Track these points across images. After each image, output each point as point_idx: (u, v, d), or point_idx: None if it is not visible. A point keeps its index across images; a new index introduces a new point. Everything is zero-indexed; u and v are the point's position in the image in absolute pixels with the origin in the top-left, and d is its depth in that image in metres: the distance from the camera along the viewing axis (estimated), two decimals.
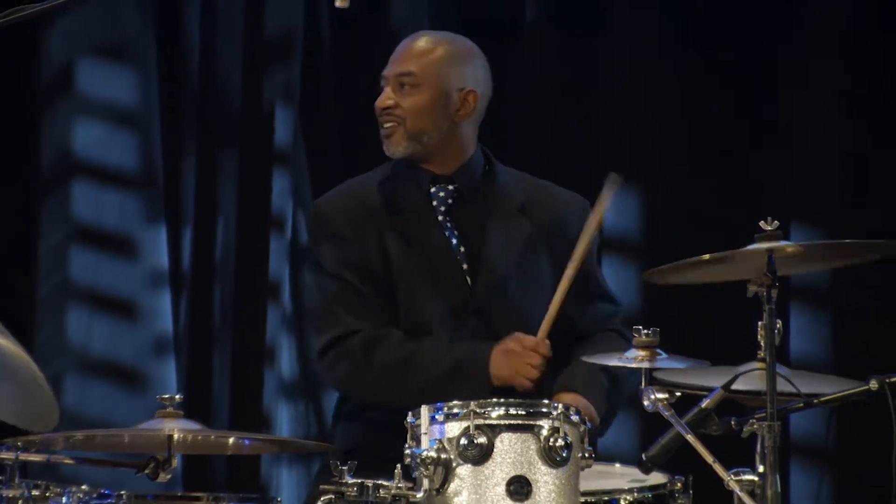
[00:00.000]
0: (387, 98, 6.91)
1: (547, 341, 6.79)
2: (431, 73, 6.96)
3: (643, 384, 6.42)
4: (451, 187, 7.07)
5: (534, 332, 6.86)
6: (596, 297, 7.23)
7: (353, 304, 6.97)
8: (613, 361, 6.61)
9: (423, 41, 7.06)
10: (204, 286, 8.07)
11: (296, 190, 7.89)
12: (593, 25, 8.86)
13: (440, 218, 7.02)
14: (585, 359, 6.76)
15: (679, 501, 6.51)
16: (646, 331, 6.41)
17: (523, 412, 6.21)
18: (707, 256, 6.36)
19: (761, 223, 6.31)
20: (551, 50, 8.62)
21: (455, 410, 6.19)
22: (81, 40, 7.81)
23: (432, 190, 7.05)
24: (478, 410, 6.19)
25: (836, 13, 8.74)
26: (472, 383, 6.74)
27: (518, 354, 6.78)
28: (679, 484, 6.52)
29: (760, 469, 6.32)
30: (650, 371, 6.41)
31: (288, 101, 8.06)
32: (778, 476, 6.38)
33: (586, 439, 6.29)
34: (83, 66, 7.97)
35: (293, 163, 8.06)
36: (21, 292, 7.89)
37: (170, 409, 6.22)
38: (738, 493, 6.23)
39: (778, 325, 6.34)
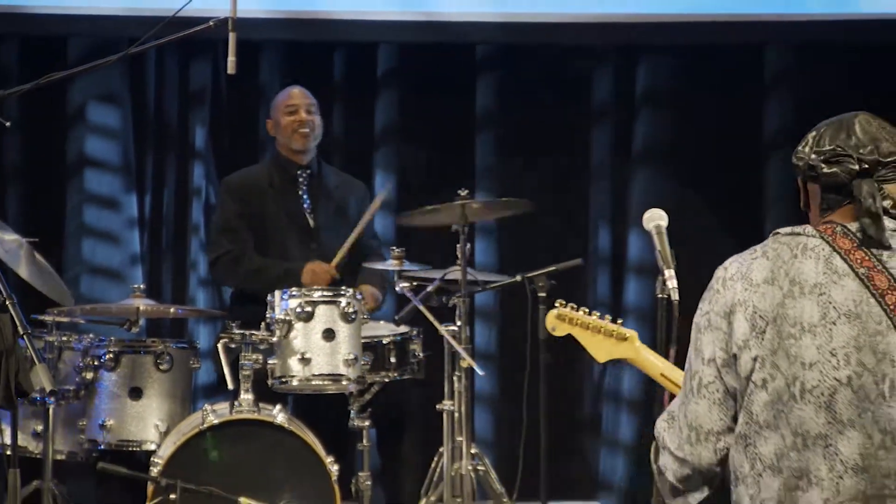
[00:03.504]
0: (306, 117, 6.79)
1: (334, 268, 6.61)
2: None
3: (396, 278, 6.43)
4: (307, 172, 6.88)
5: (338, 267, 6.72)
6: (371, 237, 7.04)
7: (231, 236, 6.86)
8: (380, 266, 6.65)
9: (301, 88, 6.94)
10: (156, 227, 7.81)
11: (207, 174, 7.74)
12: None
13: (300, 191, 6.84)
14: (367, 265, 6.78)
15: (413, 343, 6.46)
16: (398, 250, 6.41)
17: (331, 294, 6.19)
18: (428, 207, 6.38)
19: (458, 191, 6.31)
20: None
21: (294, 292, 6.18)
22: (90, 91, 7.61)
23: (297, 173, 6.86)
24: (306, 292, 6.19)
25: None
26: (292, 282, 6.43)
27: (316, 272, 6.56)
28: (414, 332, 6.48)
29: (459, 323, 6.25)
30: (400, 271, 6.42)
31: (202, 124, 7.75)
32: (468, 327, 6.34)
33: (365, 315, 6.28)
34: (91, 105, 7.72)
35: (205, 159, 7.76)
36: (55, 228, 7.69)
37: (137, 293, 6.43)
38: (447, 336, 6.17)
39: (468, 246, 6.35)
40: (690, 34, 7.84)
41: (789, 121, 7.83)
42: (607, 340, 4.06)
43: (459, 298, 6.18)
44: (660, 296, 4.24)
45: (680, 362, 3.80)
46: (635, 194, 7.87)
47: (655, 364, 4.00)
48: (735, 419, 3.31)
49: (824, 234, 3.41)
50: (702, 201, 7.87)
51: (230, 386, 5.90)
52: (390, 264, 6.39)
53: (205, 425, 5.70)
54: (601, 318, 4.09)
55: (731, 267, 3.40)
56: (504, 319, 7.75)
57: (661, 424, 3.42)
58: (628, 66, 7.98)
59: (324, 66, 7.82)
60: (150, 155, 7.81)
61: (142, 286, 6.36)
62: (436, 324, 6.15)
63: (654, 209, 4.36)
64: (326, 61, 7.85)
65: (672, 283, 4.19)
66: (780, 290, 3.33)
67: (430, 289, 6.30)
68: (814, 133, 3.44)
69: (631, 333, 4.07)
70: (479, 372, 6.26)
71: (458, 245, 6.18)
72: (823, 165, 3.43)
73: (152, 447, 5.97)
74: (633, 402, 7.71)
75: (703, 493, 3.44)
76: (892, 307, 3.29)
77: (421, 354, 6.40)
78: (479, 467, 6.10)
